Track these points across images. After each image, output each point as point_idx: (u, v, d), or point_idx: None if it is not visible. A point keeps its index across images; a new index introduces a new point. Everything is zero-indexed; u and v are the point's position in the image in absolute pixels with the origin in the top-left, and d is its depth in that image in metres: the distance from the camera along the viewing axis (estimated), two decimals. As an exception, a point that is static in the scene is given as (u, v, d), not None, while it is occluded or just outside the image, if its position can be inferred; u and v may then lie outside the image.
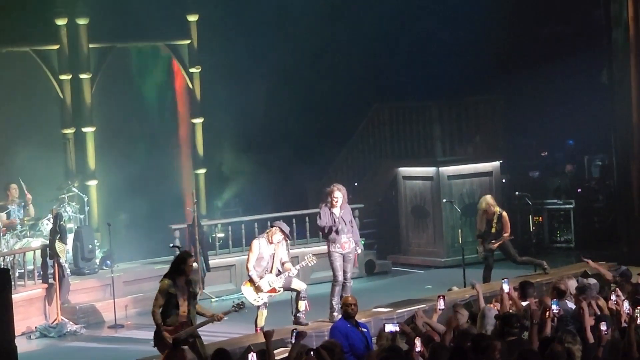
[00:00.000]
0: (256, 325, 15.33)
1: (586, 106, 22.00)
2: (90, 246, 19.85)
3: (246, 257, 15.79)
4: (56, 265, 18.41)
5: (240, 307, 13.75)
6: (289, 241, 16.32)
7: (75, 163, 21.50)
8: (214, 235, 21.10)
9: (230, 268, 20.03)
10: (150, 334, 13.37)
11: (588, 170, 24.05)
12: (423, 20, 22.08)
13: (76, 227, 19.86)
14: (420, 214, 22.40)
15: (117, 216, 20.72)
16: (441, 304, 13.27)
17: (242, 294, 15.78)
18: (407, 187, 22.67)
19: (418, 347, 10.91)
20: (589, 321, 11.91)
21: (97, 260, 20.02)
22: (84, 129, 21.61)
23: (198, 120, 23.02)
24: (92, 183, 21.55)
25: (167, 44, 22.80)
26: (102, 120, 21.77)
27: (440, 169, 22.09)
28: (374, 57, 22.69)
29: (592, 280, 14.56)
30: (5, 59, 20.96)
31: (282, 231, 15.48)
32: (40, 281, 18.65)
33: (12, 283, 15.20)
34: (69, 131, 21.59)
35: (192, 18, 22.61)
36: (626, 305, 12.43)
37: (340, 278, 16.00)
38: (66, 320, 18.15)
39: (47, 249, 18.67)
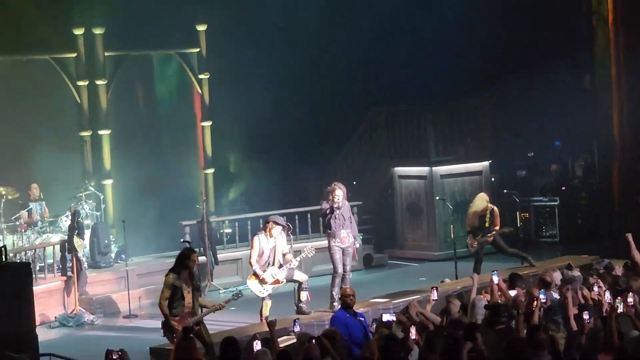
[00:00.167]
0: (261, 315, 15.34)
1: (570, 110, 21.99)
2: (106, 241, 19.89)
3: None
4: (74, 259, 18.45)
5: (238, 296, 14.13)
6: (290, 233, 16.38)
7: (91, 163, 21.52)
8: (221, 231, 21.14)
9: (237, 261, 20.06)
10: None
11: (572, 169, 24.04)
12: (417, 31, 22.06)
13: (93, 224, 19.91)
14: (414, 211, 22.41)
15: (131, 213, 20.71)
16: (434, 295, 13.29)
17: (248, 286, 15.83)
18: (402, 185, 22.69)
19: (413, 335, 10.94)
20: (573, 310, 11.93)
21: (113, 255, 20.07)
22: (100, 132, 21.63)
23: (207, 123, 23.04)
24: (108, 182, 21.57)
25: (177, 52, 22.81)
26: (117, 124, 21.79)
27: (434, 168, 22.11)
28: (371, 64, 22.71)
29: (576, 273, 14.56)
30: (27, 66, 20.97)
31: (278, 223, 15.50)
32: (60, 274, 18.71)
33: (33, 276, 15.27)
34: (86, 134, 21.60)
35: (201, 28, 22.62)
36: (607, 295, 12.44)
37: (340, 270, 16.01)
38: (84, 310, 18.19)
39: (66, 244, 18.71)
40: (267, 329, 11.61)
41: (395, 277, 20.09)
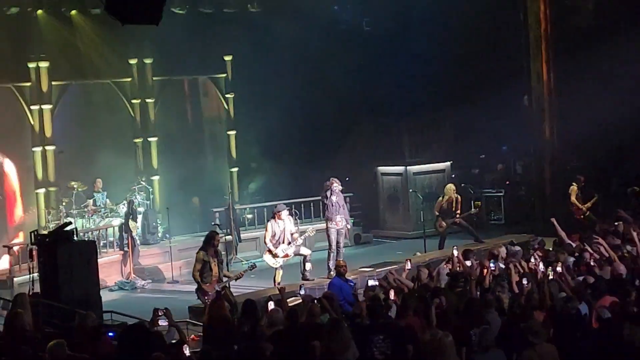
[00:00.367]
0: (274, 282, 15.39)
1: (513, 122, 21.97)
2: (154, 224, 19.94)
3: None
4: (129, 237, 18.50)
5: (253, 267, 14.35)
6: (295, 217, 16.49)
7: (142, 163, 21.52)
8: (244, 216, 21.15)
9: (256, 240, 20.03)
10: (198, 288, 13.53)
11: (514, 168, 24.06)
12: (396, 62, 22.05)
13: (144, 210, 19.95)
14: (393, 200, 22.41)
15: (174, 202, 20.73)
16: (408, 265, 13.33)
17: (264, 260, 15.87)
18: (384, 180, 22.68)
19: (392, 296, 10.98)
20: (515, 277, 11.97)
21: (159, 234, 20.10)
22: (149, 139, 21.62)
23: (232, 132, 23.01)
24: (155, 178, 21.57)
25: (209, 77, 22.81)
26: (162, 132, 21.77)
27: (408, 167, 22.09)
28: (361, 86, 22.64)
29: (517, 248, 14.60)
30: (93, 88, 21.01)
31: (283, 210, 15.56)
32: (118, 249, 18.75)
33: (98, 250, 15.33)
34: (138, 140, 21.61)
35: (228, 58, 22.58)
36: (541, 265, 12.52)
37: (334, 247, 16.07)
38: (137, 277, 18.23)
39: (123, 226, 18.76)
40: (279, 293, 11.66)
41: (378, 252, 20.08)
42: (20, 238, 18.85)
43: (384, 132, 22.95)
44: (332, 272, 15.28)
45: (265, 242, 15.67)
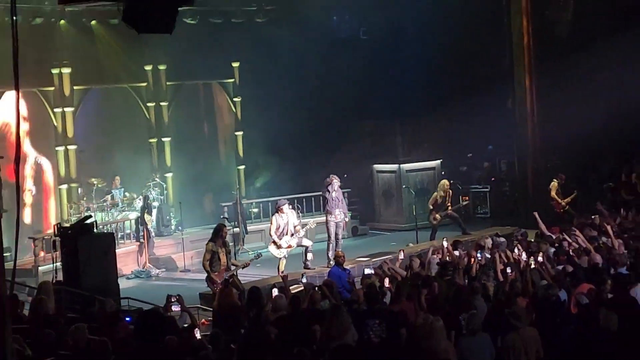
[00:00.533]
0: (278, 270, 15.38)
1: (498, 123, 21.94)
2: (168, 217, 19.94)
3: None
4: (145, 230, 18.51)
5: (259, 256, 14.44)
6: (298, 210, 16.48)
7: (157, 161, 21.51)
8: (250, 209, 21.15)
9: (262, 232, 20.06)
10: (208, 276, 13.51)
11: (499, 166, 24.04)
12: (392, 68, 22.00)
13: (158, 205, 19.94)
14: (388, 196, 22.42)
15: (186, 197, 20.71)
16: (401, 255, 13.35)
17: (269, 250, 15.86)
18: (379, 177, 22.68)
19: (386, 284, 10.99)
20: (500, 266, 11.97)
21: (172, 227, 20.10)
22: (163, 139, 21.60)
23: (239, 133, 22.99)
24: (169, 175, 21.56)
25: (218, 82, 22.80)
26: (175, 133, 21.76)
27: (401, 165, 22.10)
28: (358, 90, 22.56)
29: (502, 239, 14.57)
30: (111, 92, 21.00)
31: (284, 204, 15.52)
32: (135, 240, 18.75)
33: (115, 242, 15.34)
34: (153, 140, 21.59)
35: (235, 64, 22.55)
36: (524, 255, 12.50)
37: (333, 238, 16.07)
38: (152, 266, 18.25)
39: (139, 219, 18.76)
40: (283, 281, 11.66)
41: (374, 243, 20.10)
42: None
43: (380, 133, 22.94)
44: (331, 262, 15.25)
45: (270, 234, 15.68)
